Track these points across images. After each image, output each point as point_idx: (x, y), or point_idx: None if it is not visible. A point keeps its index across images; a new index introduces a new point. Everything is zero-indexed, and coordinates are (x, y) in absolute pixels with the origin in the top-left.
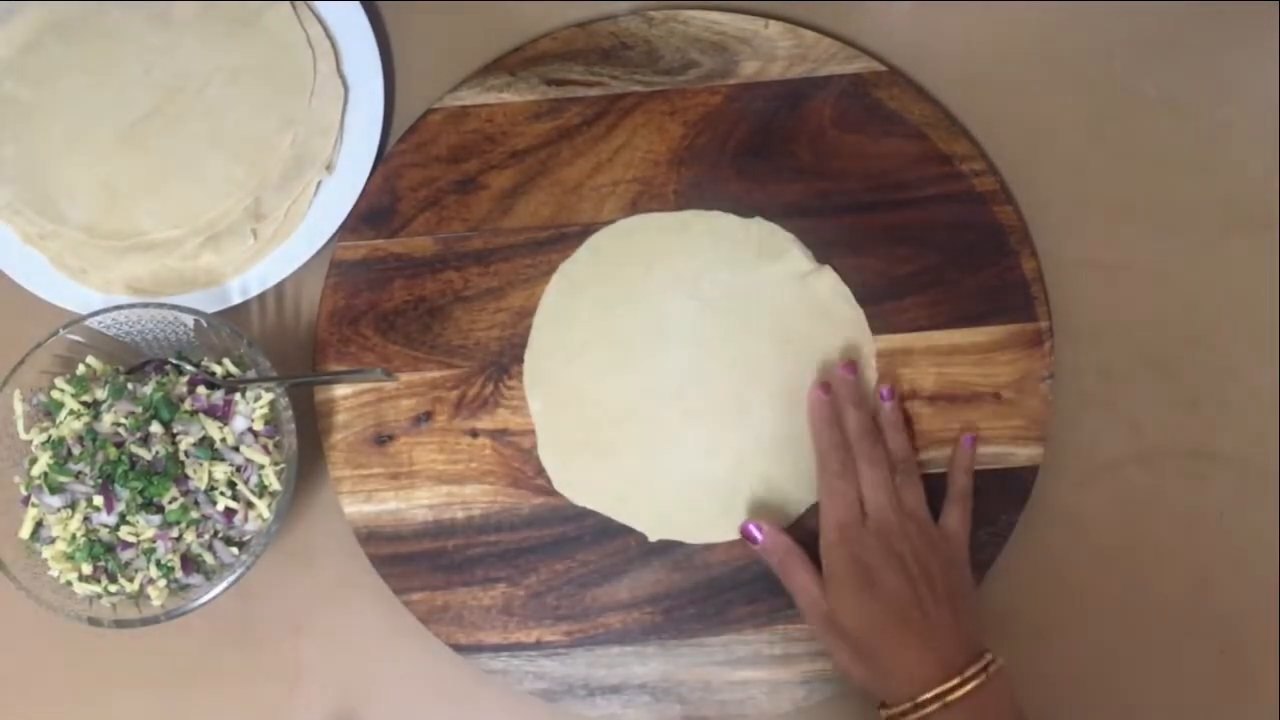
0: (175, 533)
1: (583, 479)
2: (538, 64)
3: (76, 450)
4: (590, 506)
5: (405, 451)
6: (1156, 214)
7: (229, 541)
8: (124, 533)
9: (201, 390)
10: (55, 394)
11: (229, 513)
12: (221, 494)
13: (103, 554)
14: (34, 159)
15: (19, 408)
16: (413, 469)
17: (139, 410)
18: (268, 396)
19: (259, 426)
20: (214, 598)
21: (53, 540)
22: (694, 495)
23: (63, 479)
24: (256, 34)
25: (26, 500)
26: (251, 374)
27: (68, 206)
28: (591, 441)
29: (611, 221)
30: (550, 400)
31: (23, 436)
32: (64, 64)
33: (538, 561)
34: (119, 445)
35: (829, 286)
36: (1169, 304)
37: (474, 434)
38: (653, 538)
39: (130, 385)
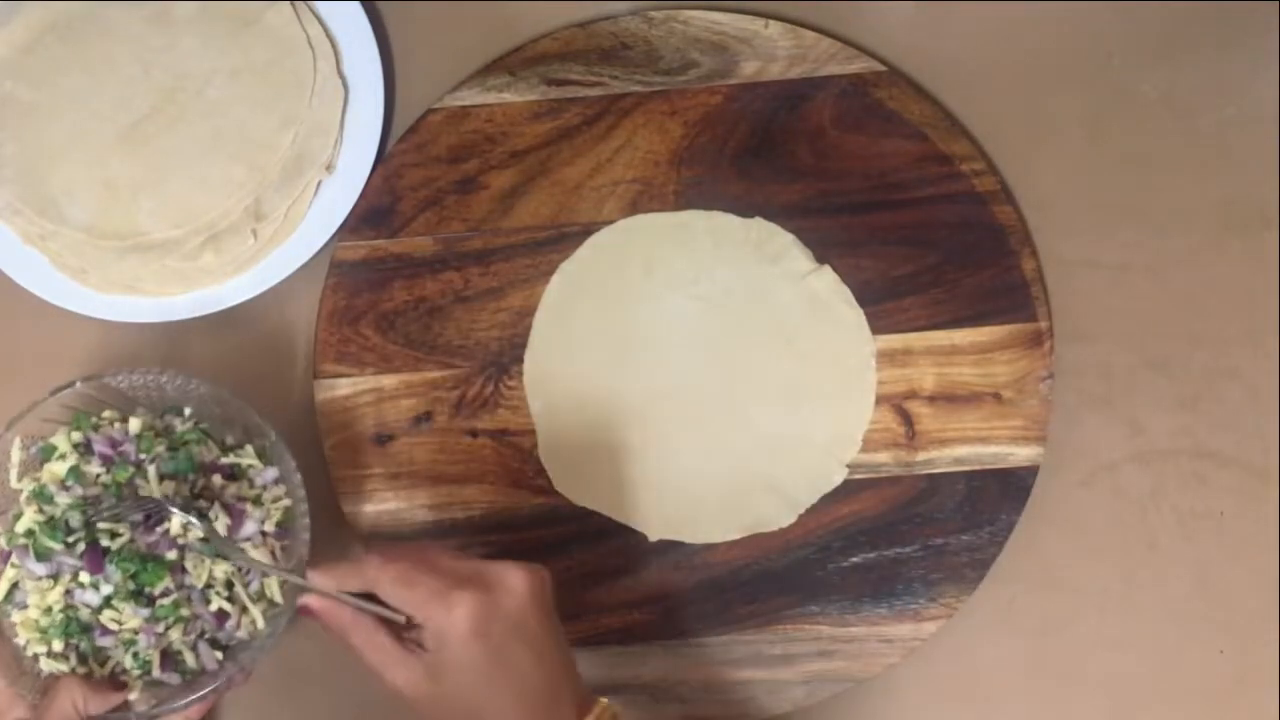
0: (161, 627)
1: (583, 479)
2: (538, 64)
3: (68, 510)
4: (590, 506)
5: (405, 451)
6: (1156, 214)
7: (214, 644)
8: (106, 617)
9: (217, 480)
10: (56, 440)
11: (221, 615)
12: (218, 594)
13: (78, 634)
14: (34, 159)
15: (16, 455)
16: (413, 469)
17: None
18: (285, 502)
19: (269, 528)
20: (185, 705)
21: (25, 606)
22: (694, 495)
23: (52, 545)
24: (257, 34)
25: (6, 557)
26: (273, 474)
27: (68, 206)
28: (591, 441)
29: (611, 221)
30: (550, 400)
31: (14, 485)
32: (64, 64)
33: (538, 561)
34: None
35: (829, 286)
36: (1169, 304)
37: (474, 434)
38: (653, 538)
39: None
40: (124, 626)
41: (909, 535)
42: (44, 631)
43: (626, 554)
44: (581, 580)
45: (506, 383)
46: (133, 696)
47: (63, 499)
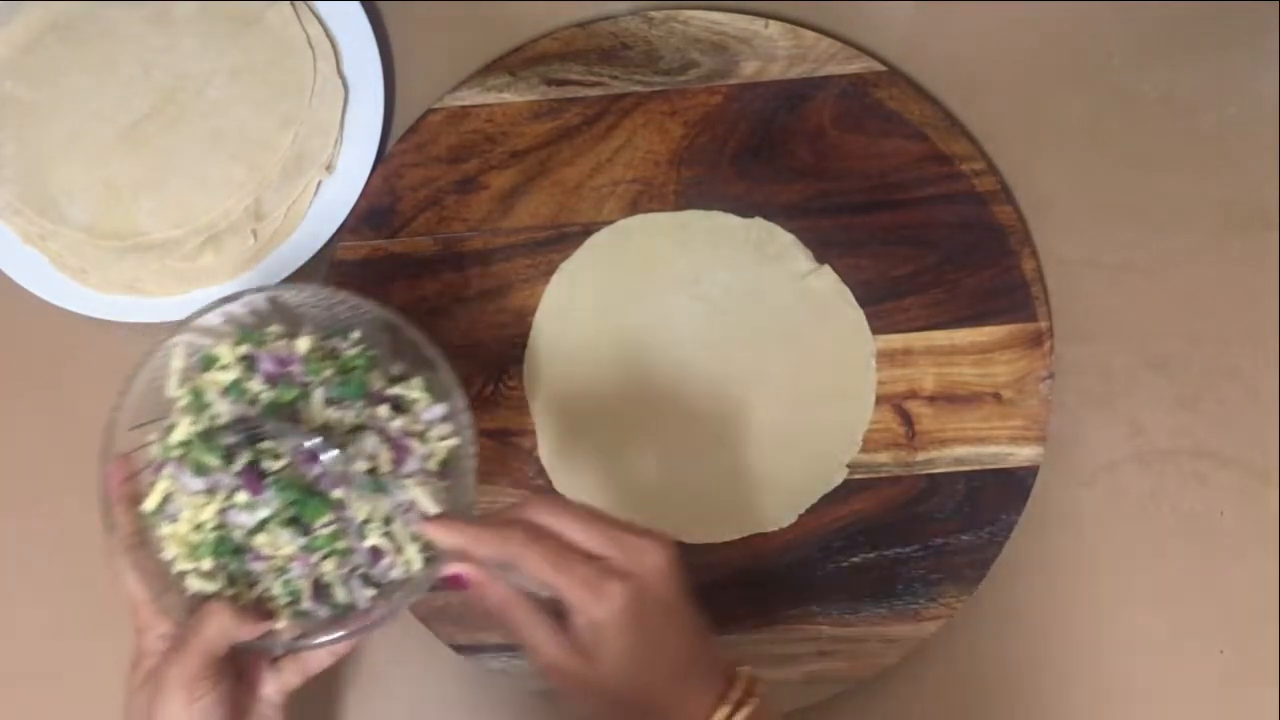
0: (315, 558)
1: (583, 479)
2: (538, 64)
3: (226, 426)
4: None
5: None
6: (1156, 214)
7: (366, 581)
8: (260, 541)
9: (383, 411)
10: (218, 351)
11: (376, 552)
12: (375, 530)
13: (228, 555)
14: (34, 159)
15: (177, 363)
16: None
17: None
18: (452, 441)
19: (432, 467)
20: (333, 640)
21: (175, 519)
22: (694, 495)
23: (210, 461)
24: (257, 34)
25: (159, 467)
26: (440, 410)
27: (68, 206)
28: (591, 441)
29: (611, 221)
30: (550, 400)
31: (171, 393)
32: (64, 64)
33: None
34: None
35: (829, 286)
36: (1169, 304)
37: None
38: None
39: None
40: (278, 553)
41: (909, 535)
42: (193, 549)
43: None
44: None
45: (506, 383)
46: (279, 625)
47: (222, 408)
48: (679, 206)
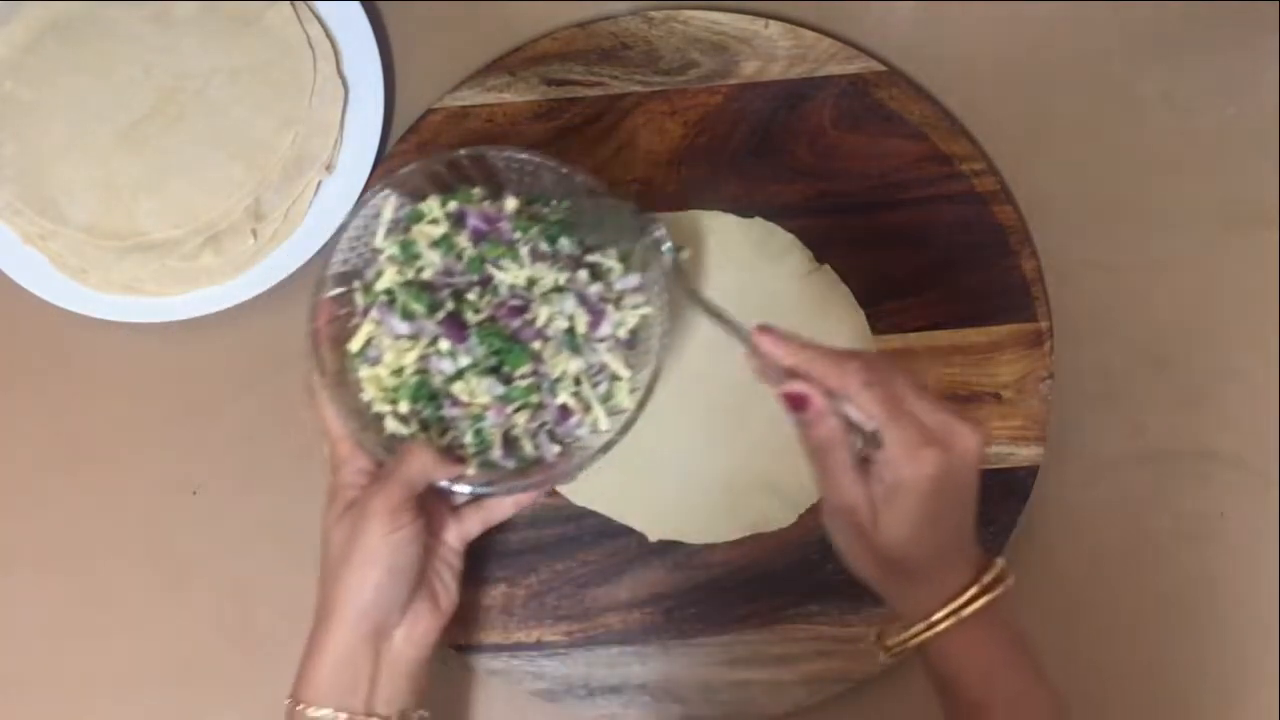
0: (510, 409)
1: (583, 479)
2: (538, 64)
3: (434, 276)
4: (590, 506)
5: None
6: (1156, 214)
7: (552, 438)
8: (458, 388)
9: (582, 275)
10: (427, 205)
11: (565, 410)
12: (565, 388)
13: (425, 400)
14: (34, 159)
15: (388, 214)
16: None
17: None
18: (644, 310)
19: (623, 335)
20: (520, 489)
21: (376, 362)
22: (694, 495)
23: (417, 307)
24: (257, 34)
25: (364, 312)
26: (634, 281)
27: (68, 206)
28: None
29: None
30: None
31: (378, 243)
32: (64, 64)
33: (538, 561)
34: (485, 282)
35: (829, 286)
36: (1169, 304)
37: None
38: (653, 538)
39: (537, 224)
40: (474, 401)
41: None
42: (390, 391)
43: (626, 554)
44: (581, 580)
45: None
46: (469, 472)
47: (432, 259)
48: (679, 206)
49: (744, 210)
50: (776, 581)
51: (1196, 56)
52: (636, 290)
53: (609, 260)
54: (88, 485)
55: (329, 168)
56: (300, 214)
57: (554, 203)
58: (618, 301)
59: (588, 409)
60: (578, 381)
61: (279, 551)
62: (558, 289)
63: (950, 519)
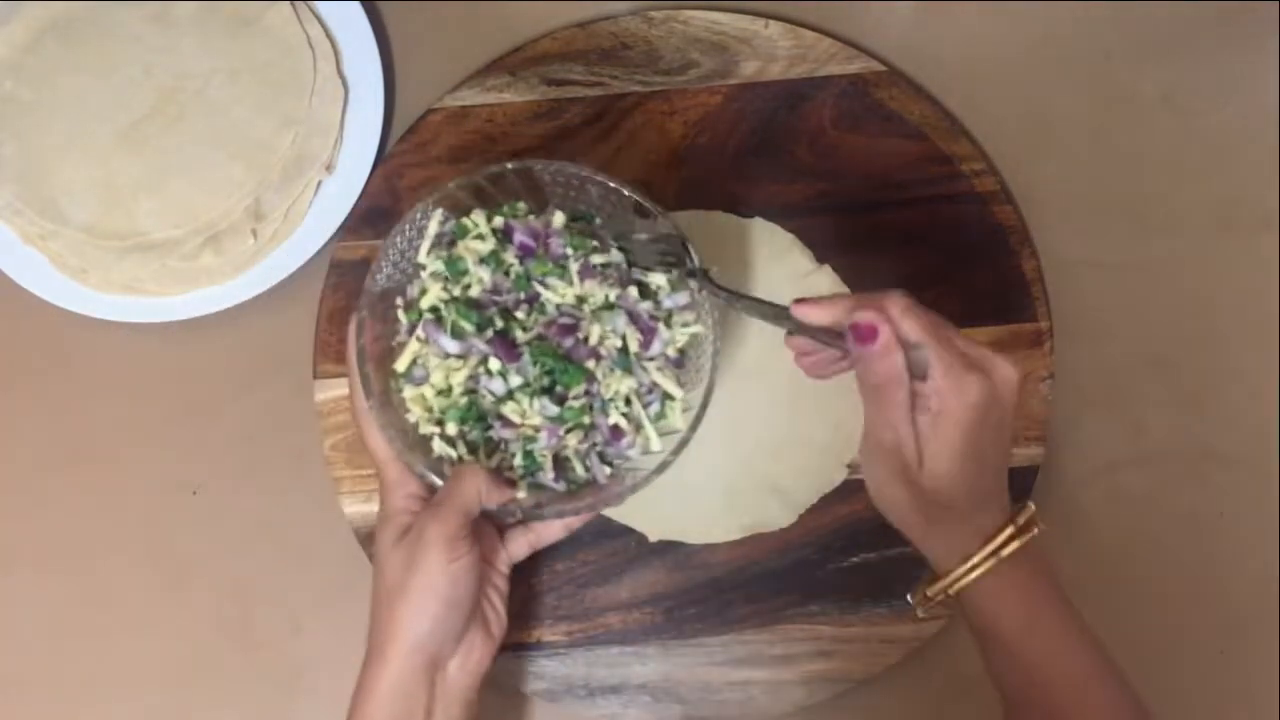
0: (563, 430)
1: None
2: (538, 64)
3: (479, 294)
4: None
5: None
6: (1156, 214)
7: (602, 459)
8: (509, 409)
9: (633, 292)
10: (472, 220)
11: (617, 431)
12: (617, 408)
13: (474, 421)
14: (34, 159)
15: (434, 228)
16: None
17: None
18: (694, 328)
19: (672, 353)
20: (571, 511)
21: (422, 382)
22: (694, 495)
23: (466, 326)
24: (257, 34)
25: (409, 330)
26: (684, 299)
27: (68, 206)
28: None
29: None
30: None
31: (420, 259)
32: (64, 64)
33: (538, 561)
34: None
35: (829, 287)
36: (1169, 304)
37: None
38: (653, 538)
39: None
40: (525, 421)
41: None
42: (436, 411)
43: (626, 554)
44: (581, 580)
45: None
46: (520, 495)
47: (480, 274)
48: (679, 207)
49: (744, 210)
50: (776, 581)
51: (1196, 56)
52: (686, 308)
53: (657, 278)
54: (88, 485)
55: (329, 168)
56: (300, 214)
57: (599, 219)
58: (667, 320)
59: (639, 429)
60: (629, 401)
61: (279, 551)
62: (608, 306)
63: (990, 456)
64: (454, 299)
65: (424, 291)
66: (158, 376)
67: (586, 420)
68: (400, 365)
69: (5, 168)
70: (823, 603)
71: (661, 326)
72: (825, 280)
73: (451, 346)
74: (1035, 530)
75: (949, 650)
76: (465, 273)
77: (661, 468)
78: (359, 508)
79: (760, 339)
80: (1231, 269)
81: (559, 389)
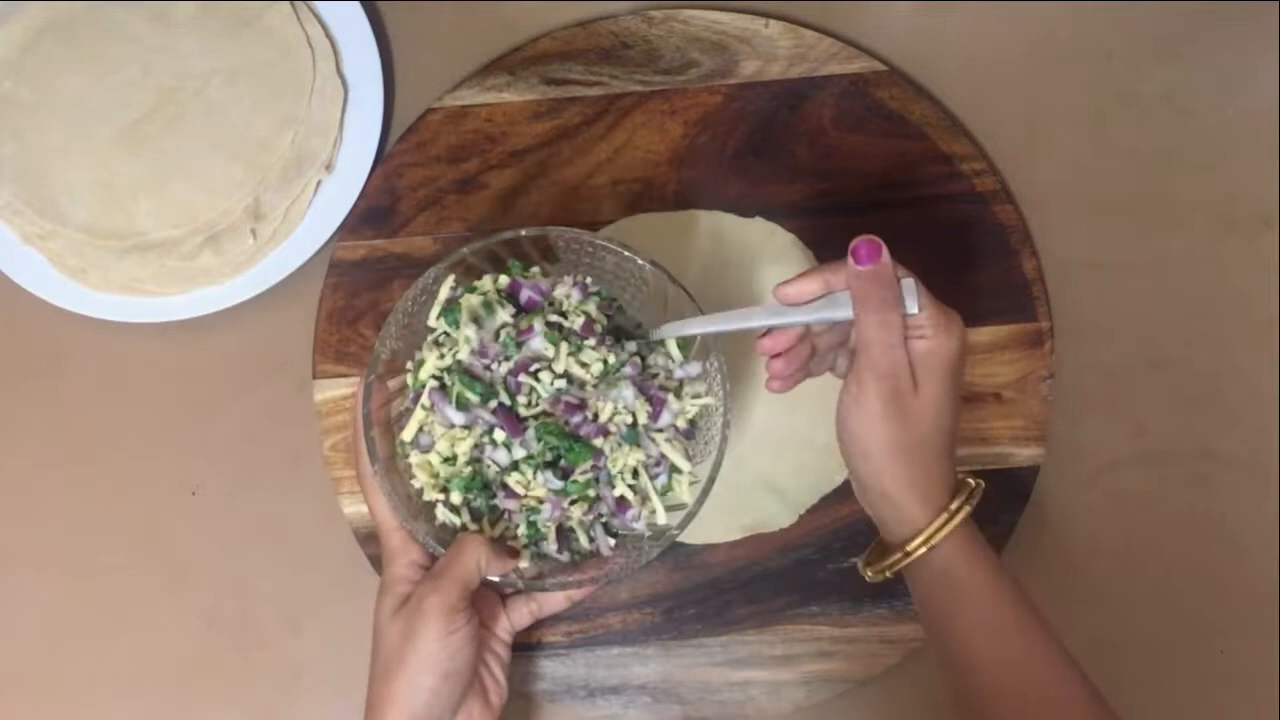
0: (567, 502)
1: None
2: (538, 64)
3: (477, 366)
4: None
5: None
6: (1156, 214)
7: (606, 530)
8: (513, 480)
9: (641, 363)
10: (479, 283)
11: (622, 503)
12: (623, 480)
13: (478, 490)
14: (34, 159)
15: (444, 293)
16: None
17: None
18: (705, 400)
19: (682, 424)
20: (573, 584)
21: (428, 449)
22: None
23: (471, 397)
24: (256, 34)
25: (415, 397)
26: (695, 369)
27: (67, 206)
28: None
29: (611, 221)
30: None
31: (430, 322)
32: (64, 64)
33: None
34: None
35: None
36: (1169, 304)
37: None
38: None
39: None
40: (530, 493)
41: None
42: (442, 479)
43: None
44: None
45: None
46: (523, 565)
47: (468, 333)
48: (679, 206)
49: (744, 210)
50: (776, 582)
51: (1196, 56)
52: (697, 379)
53: (670, 347)
54: (87, 485)
55: (328, 167)
56: (300, 214)
57: (595, 288)
58: (677, 390)
59: (645, 501)
60: (636, 473)
61: (278, 551)
62: (613, 375)
63: (953, 404)
64: (452, 368)
65: (422, 362)
66: (157, 376)
67: (592, 493)
68: (407, 434)
69: (4, 167)
70: (823, 603)
71: (671, 397)
72: None
73: (456, 417)
74: (970, 506)
75: None
76: (456, 329)
77: (666, 542)
78: (359, 508)
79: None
80: (1231, 269)
81: (564, 463)
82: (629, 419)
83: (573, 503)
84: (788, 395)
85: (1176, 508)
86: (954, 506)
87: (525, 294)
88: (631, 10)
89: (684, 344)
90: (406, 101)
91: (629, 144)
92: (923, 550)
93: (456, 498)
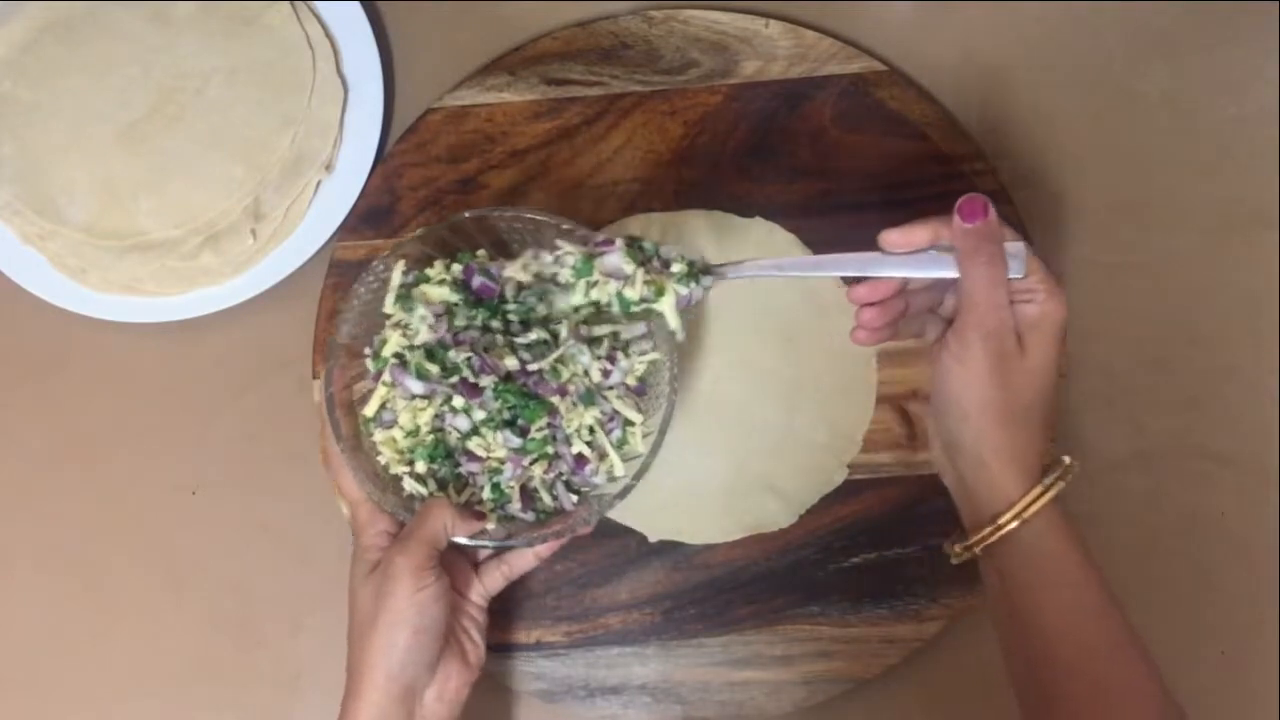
0: (527, 461)
1: None
2: (538, 64)
3: (447, 339)
4: None
5: None
6: (1156, 214)
7: (568, 487)
8: (474, 444)
9: (595, 326)
10: (431, 271)
11: (580, 459)
12: (580, 438)
13: (442, 458)
14: (34, 159)
15: (397, 278)
16: None
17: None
18: (652, 355)
19: (632, 382)
20: (539, 539)
21: (390, 425)
22: (694, 495)
23: (431, 368)
24: (256, 34)
25: (376, 376)
26: (641, 329)
27: (67, 206)
28: None
29: (611, 221)
30: None
31: (387, 309)
32: (64, 64)
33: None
34: (490, 346)
35: (829, 286)
36: (1169, 304)
37: None
38: (653, 538)
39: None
40: (491, 455)
41: (910, 535)
42: (406, 452)
43: (626, 554)
44: (581, 580)
45: None
46: (490, 527)
47: (430, 320)
48: (679, 206)
49: (744, 210)
50: (776, 581)
51: (1196, 56)
52: (643, 337)
53: (669, 316)
54: (88, 485)
55: (328, 167)
56: (300, 214)
57: (549, 258)
58: (626, 349)
59: (603, 457)
60: (592, 430)
61: (279, 551)
62: (569, 342)
63: (1054, 371)
64: (414, 347)
65: (384, 342)
66: (157, 376)
67: (550, 450)
68: (369, 410)
69: (4, 167)
70: (823, 603)
71: (620, 355)
72: (825, 280)
73: (417, 387)
74: (1063, 483)
75: (949, 651)
76: (423, 320)
77: (624, 492)
78: None
79: (758, 338)
80: (1231, 269)
81: (521, 421)
82: (587, 380)
83: (533, 462)
84: (788, 395)
85: (1177, 507)
86: (1048, 481)
87: (477, 279)
88: (631, 10)
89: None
90: (406, 101)
91: (629, 144)
92: (1014, 525)
93: (421, 467)
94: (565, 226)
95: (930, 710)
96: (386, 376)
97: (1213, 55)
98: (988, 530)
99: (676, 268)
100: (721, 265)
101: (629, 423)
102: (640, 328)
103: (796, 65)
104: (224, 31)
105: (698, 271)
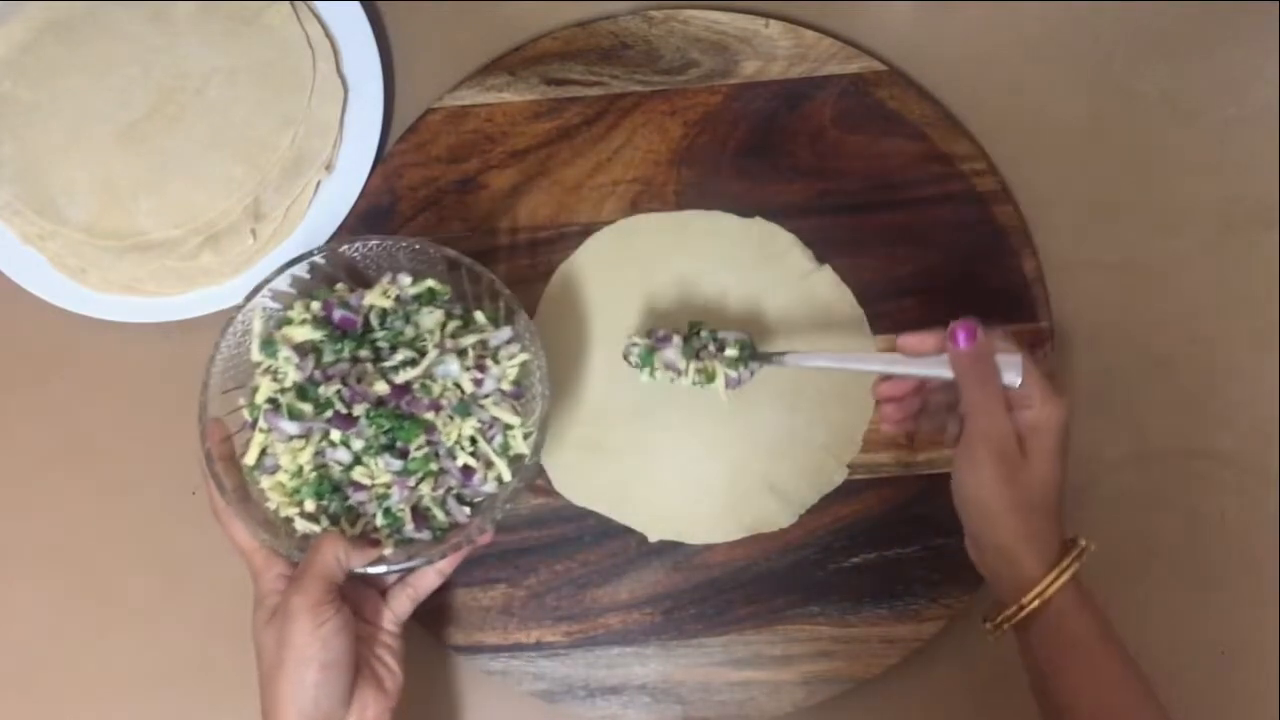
0: (413, 482)
1: (582, 479)
2: (538, 64)
3: (316, 376)
4: (590, 507)
5: None
6: (1156, 214)
7: (460, 500)
8: (358, 474)
9: (463, 338)
10: (292, 313)
11: (467, 470)
12: (463, 449)
13: (329, 493)
14: (34, 159)
15: (258, 326)
16: None
17: (405, 333)
18: (521, 357)
19: (507, 387)
20: (438, 557)
21: (274, 470)
22: (694, 495)
23: (304, 407)
24: (256, 33)
25: (252, 425)
26: (506, 334)
27: (67, 206)
28: (591, 441)
29: (611, 221)
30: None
31: (254, 357)
32: (64, 64)
33: (537, 562)
34: (357, 378)
35: (829, 286)
36: (1169, 304)
37: None
38: (652, 538)
39: (408, 313)
40: (376, 481)
41: (909, 536)
42: (294, 494)
43: (626, 554)
44: (581, 580)
45: None
46: (387, 552)
47: (294, 361)
48: (679, 206)
49: (744, 210)
50: (776, 581)
51: (1196, 56)
52: (510, 341)
53: (481, 319)
54: (88, 485)
55: (328, 167)
56: (300, 214)
57: (404, 280)
58: (495, 355)
59: (489, 464)
60: (474, 440)
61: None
62: (436, 354)
63: (1059, 474)
64: (284, 389)
65: (256, 389)
66: (158, 376)
67: (434, 467)
68: (249, 459)
69: (4, 167)
70: (823, 603)
71: (490, 363)
72: (825, 280)
73: (292, 428)
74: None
75: (949, 651)
76: (288, 362)
77: (514, 495)
78: None
79: (760, 338)
80: (1231, 269)
81: (399, 444)
82: (456, 392)
83: (420, 481)
84: (788, 395)
85: (1176, 507)
86: (1064, 563)
87: (338, 312)
88: (631, 10)
89: (493, 314)
90: (406, 101)
91: (629, 144)
92: (1036, 604)
93: (311, 506)
94: (417, 246)
95: (930, 710)
96: (262, 423)
97: (1213, 55)
98: (1012, 610)
99: (730, 351)
100: (769, 353)
101: (509, 427)
102: (505, 332)
103: (796, 65)
104: (224, 31)
105: (747, 356)
